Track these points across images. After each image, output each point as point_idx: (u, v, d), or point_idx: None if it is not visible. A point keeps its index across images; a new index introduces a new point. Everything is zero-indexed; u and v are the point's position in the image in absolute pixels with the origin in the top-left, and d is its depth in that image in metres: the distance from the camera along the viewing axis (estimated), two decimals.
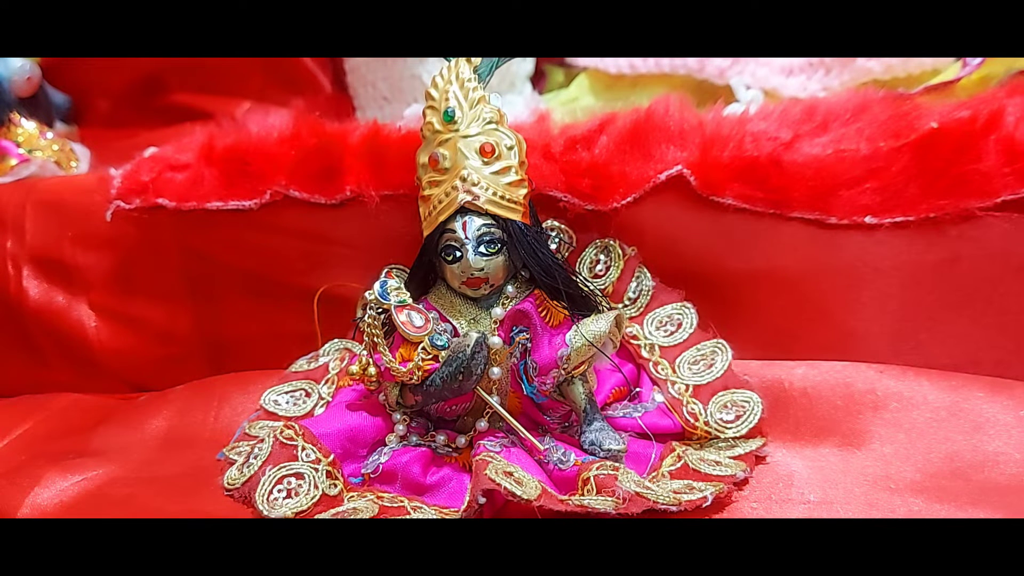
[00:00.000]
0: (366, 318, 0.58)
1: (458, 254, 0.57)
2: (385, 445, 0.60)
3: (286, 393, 0.67)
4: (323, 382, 0.68)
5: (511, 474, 0.51)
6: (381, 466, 0.57)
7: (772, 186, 0.63)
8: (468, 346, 0.55)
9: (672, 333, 0.64)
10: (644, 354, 0.64)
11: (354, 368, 0.60)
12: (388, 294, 0.57)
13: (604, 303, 0.64)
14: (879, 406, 0.59)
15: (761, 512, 0.52)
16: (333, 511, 0.53)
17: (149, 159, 0.78)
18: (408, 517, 0.53)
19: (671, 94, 0.67)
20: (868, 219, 0.62)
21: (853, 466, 0.56)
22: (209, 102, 1.17)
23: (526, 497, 0.49)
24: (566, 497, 0.51)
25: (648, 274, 0.66)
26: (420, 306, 0.59)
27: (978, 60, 0.79)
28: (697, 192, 0.64)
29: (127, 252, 0.78)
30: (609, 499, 0.50)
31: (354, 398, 0.63)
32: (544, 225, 0.65)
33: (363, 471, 0.58)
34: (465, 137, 0.58)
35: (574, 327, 0.57)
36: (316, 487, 0.55)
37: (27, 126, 0.94)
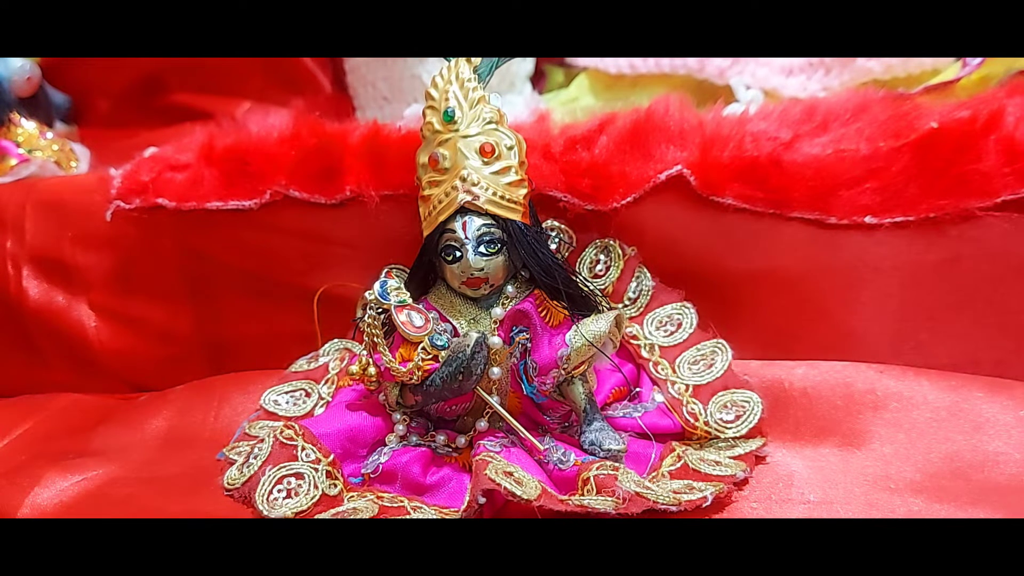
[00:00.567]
0: (366, 318, 0.58)
1: (458, 254, 0.57)
2: (385, 445, 0.60)
3: (286, 393, 0.67)
4: (323, 382, 0.68)
5: (511, 474, 0.51)
6: (381, 466, 0.57)
7: (772, 186, 0.63)
8: (468, 346, 0.55)
9: (672, 333, 0.64)
10: (644, 354, 0.64)
11: (354, 368, 0.60)
12: (388, 294, 0.57)
13: (604, 303, 0.64)
14: (879, 406, 0.59)
15: (761, 512, 0.52)
16: (333, 511, 0.53)
17: (149, 159, 0.78)
18: (408, 517, 0.53)
19: (671, 94, 0.67)
20: (868, 219, 0.62)
21: (853, 466, 0.56)
22: (209, 102, 1.17)
23: (526, 497, 0.49)
24: (566, 497, 0.51)
25: (648, 274, 0.66)
26: (420, 306, 0.59)
27: (978, 60, 0.79)
28: (697, 192, 0.64)
29: (127, 252, 0.78)
30: (609, 499, 0.50)
31: (354, 398, 0.63)
32: (544, 225, 0.65)
33: (363, 471, 0.58)
34: (465, 137, 0.58)
35: (574, 327, 0.57)
36: (316, 487, 0.55)
37: (27, 126, 0.93)
